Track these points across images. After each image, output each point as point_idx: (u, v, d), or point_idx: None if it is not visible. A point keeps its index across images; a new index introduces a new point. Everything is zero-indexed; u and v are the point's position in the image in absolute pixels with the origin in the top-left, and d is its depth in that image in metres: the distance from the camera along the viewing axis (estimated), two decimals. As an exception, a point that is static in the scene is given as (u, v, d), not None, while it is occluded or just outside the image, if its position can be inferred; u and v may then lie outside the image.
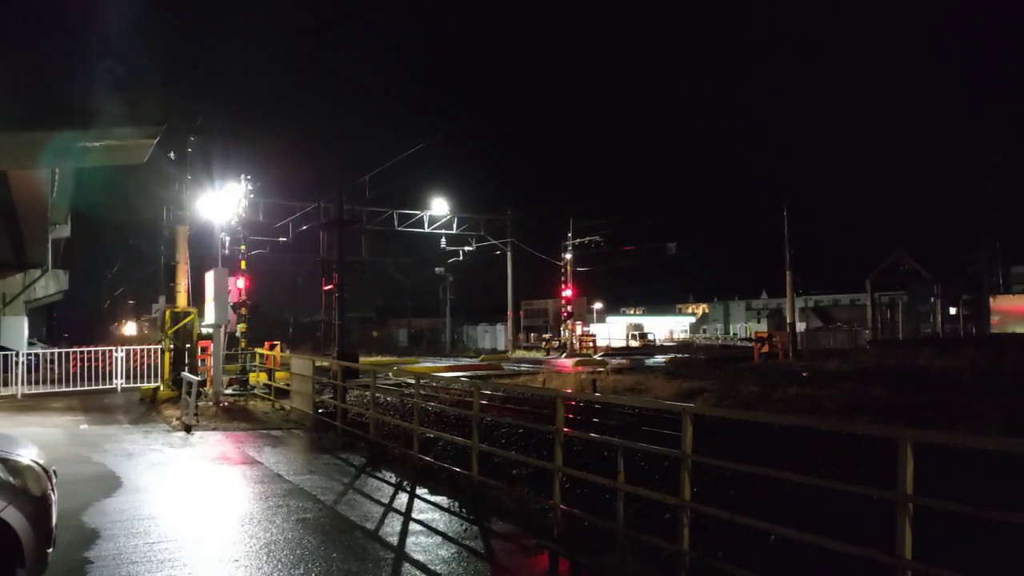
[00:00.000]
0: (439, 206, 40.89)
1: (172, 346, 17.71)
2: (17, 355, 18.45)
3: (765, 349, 35.35)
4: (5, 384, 18.09)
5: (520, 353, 45.21)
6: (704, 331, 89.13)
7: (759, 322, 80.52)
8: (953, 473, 8.18)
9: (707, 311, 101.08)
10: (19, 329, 30.35)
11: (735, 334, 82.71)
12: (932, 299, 47.25)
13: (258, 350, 19.89)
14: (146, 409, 15.64)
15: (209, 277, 16.95)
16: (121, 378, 19.69)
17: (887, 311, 48.32)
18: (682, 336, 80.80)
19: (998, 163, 42.14)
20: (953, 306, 48.10)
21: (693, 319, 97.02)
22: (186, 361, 17.57)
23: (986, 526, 6.28)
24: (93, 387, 19.01)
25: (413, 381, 11.59)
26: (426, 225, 41.26)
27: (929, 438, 5.36)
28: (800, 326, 42.84)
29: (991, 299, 44.37)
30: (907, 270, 46.09)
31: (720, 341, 70.24)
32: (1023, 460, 8.09)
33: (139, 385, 18.72)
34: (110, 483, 8.40)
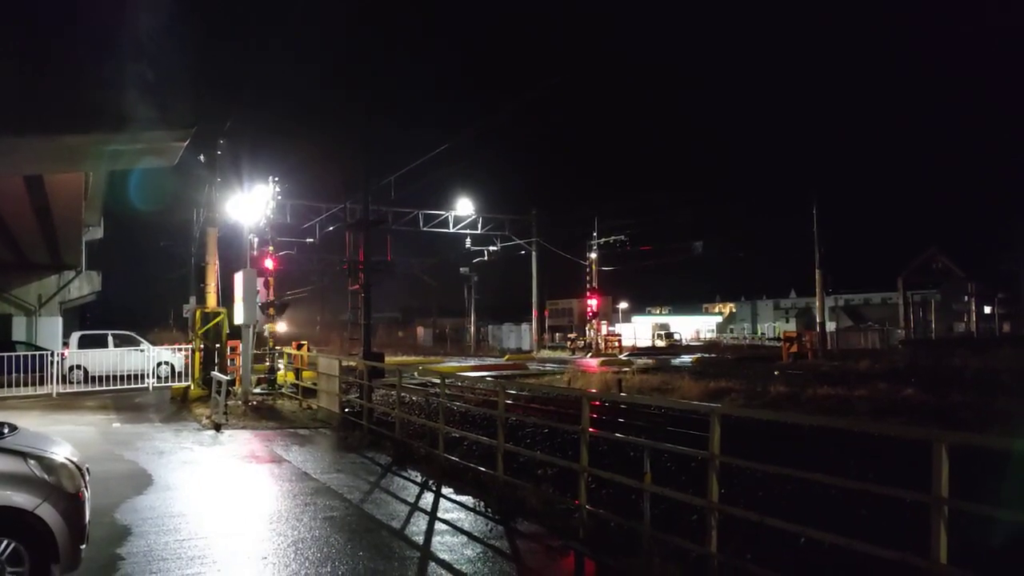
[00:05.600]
0: (464, 206, 40.99)
1: (202, 346, 17.98)
2: (52, 355, 18.88)
3: (794, 349, 34.87)
4: (41, 383, 18.51)
5: (545, 353, 45.12)
6: (731, 331, 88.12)
7: (787, 322, 79.48)
8: (990, 477, 7.98)
9: (734, 310, 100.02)
10: (54, 330, 31.03)
11: (763, 334, 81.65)
12: (966, 298, 46.23)
13: (286, 350, 20.11)
14: (177, 408, 15.89)
15: (238, 278, 17.17)
16: (153, 377, 20.05)
17: (920, 310, 47.40)
18: (709, 336, 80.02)
19: None
20: (988, 305, 47.04)
21: (720, 319, 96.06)
22: (216, 361, 17.83)
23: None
24: (125, 386, 19.37)
25: (438, 381, 11.63)
26: (451, 225, 41.38)
27: (965, 440, 5.22)
28: (830, 326, 42.21)
29: (1028, 298, 43.28)
30: (940, 268, 45.20)
31: (748, 341, 69.41)
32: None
33: (170, 384, 19.04)
34: (141, 481, 8.54)
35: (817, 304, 37.11)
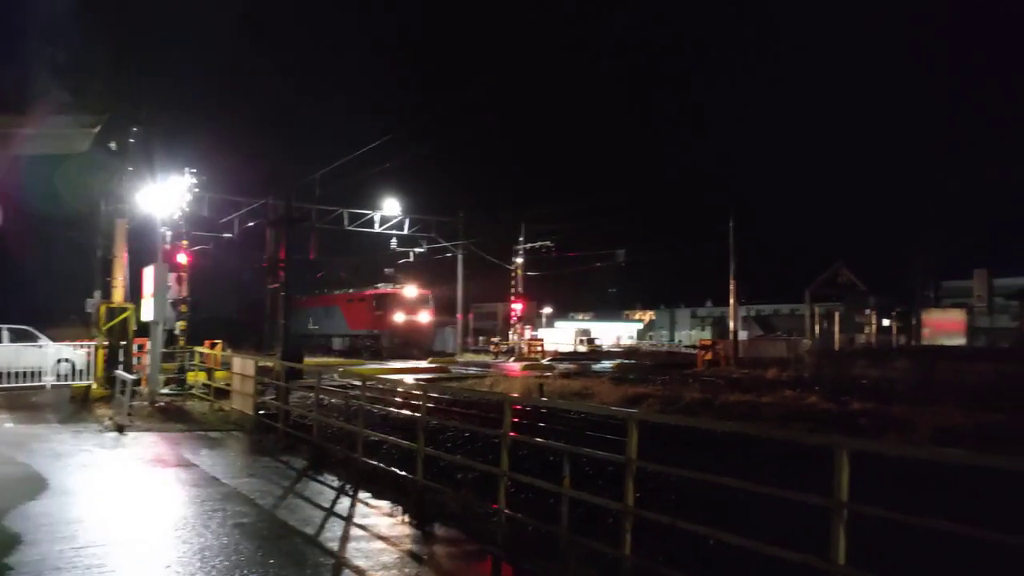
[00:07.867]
0: (391, 206, 40.55)
1: (106, 343, 17.10)
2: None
3: (709, 356, 36.04)
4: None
5: (468, 356, 45.09)
6: (650, 337, 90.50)
7: (704, 330, 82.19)
8: (885, 480, 8.45)
9: (654, 318, 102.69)
10: (-59, 322, 28.86)
11: (680, 341, 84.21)
12: (867, 311, 48.93)
13: (198, 348, 19.36)
14: (77, 408, 15.06)
15: (148, 272, 16.44)
16: (52, 375, 18.93)
17: (824, 321, 49.81)
18: (629, 342, 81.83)
19: (940, 179, 43.93)
20: (886, 318, 49.88)
21: (640, 325, 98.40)
22: (121, 359, 17.00)
23: (915, 532, 6.50)
24: (21, 384, 18.22)
25: (359, 383, 11.43)
26: (377, 225, 40.85)
27: (864, 446, 5.51)
28: (742, 334, 43.93)
29: (922, 312, 46.20)
30: (845, 282, 47.59)
31: (666, 348, 71.45)
32: (951, 468, 8.41)
33: (70, 383, 18.01)
34: (36, 485, 8.05)
35: (731, 313, 38.50)
